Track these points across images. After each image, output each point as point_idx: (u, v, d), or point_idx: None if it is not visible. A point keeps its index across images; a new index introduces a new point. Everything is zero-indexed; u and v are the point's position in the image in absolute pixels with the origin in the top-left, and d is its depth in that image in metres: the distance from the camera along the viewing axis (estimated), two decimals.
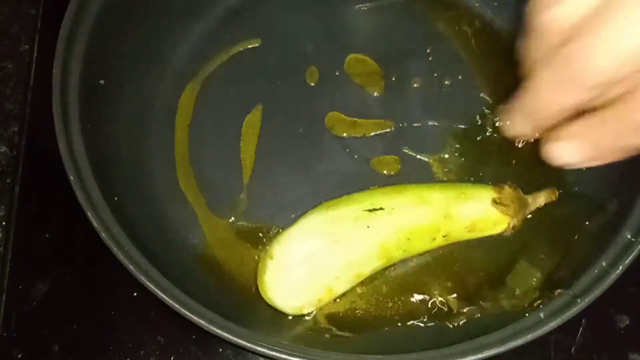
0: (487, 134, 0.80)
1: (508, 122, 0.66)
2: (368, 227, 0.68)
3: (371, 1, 0.88)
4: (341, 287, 0.69)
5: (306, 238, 0.67)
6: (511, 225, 0.72)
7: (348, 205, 0.70)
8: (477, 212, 0.71)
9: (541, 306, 0.62)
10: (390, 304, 0.72)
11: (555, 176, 0.74)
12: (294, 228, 0.69)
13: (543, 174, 0.74)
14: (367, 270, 0.69)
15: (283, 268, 0.66)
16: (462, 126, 0.80)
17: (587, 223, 0.71)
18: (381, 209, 0.69)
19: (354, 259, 0.67)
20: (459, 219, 0.71)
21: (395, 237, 0.69)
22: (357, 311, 0.71)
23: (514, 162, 0.77)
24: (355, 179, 0.77)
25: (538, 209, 0.73)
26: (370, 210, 0.69)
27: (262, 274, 0.68)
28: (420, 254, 0.73)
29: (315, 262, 0.66)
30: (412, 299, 0.72)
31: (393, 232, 0.69)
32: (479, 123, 0.80)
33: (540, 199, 0.73)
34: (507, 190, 0.72)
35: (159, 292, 0.60)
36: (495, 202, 0.71)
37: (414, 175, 0.78)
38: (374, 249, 0.68)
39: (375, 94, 0.82)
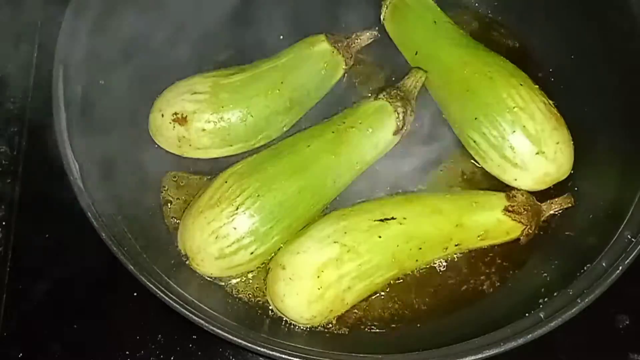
0: None
1: None
2: (380, 237, 0.67)
3: None
4: (353, 298, 0.68)
5: (318, 248, 0.66)
6: (525, 233, 0.71)
7: (360, 215, 0.69)
8: (489, 221, 0.71)
9: (541, 306, 0.62)
10: (390, 304, 0.72)
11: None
12: (305, 237, 0.68)
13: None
14: (379, 280, 0.69)
15: (295, 279, 0.66)
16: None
17: (587, 223, 0.71)
18: (393, 218, 0.68)
19: (366, 269, 0.67)
20: (471, 227, 0.70)
21: (407, 247, 0.68)
22: (356, 310, 0.71)
23: None
24: None
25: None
26: (382, 220, 0.68)
27: (273, 284, 0.67)
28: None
29: (327, 272, 0.65)
30: (412, 299, 0.73)
31: (405, 242, 0.68)
32: None
33: (554, 206, 0.73)
34: (520, 197, 0.71)
35: (159, 292, 0.61)
36: (507, 210, 0.71)
37: None
38: (386, 259, 0.68)
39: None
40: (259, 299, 0.72)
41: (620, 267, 0.61)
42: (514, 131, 0.72)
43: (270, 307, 0.70)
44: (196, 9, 0.85)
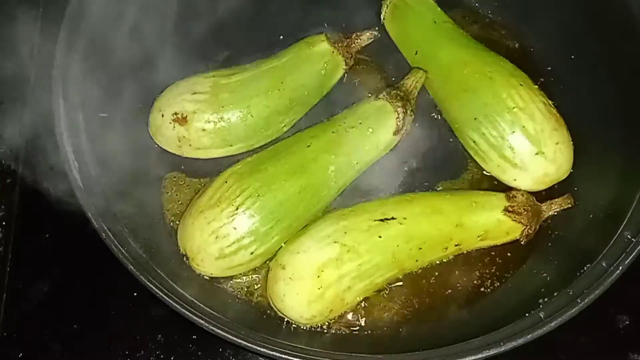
0: None
1: None
2: (380, 237, 0.67)
3: None
4: (353, 298, 0.68)
5: (318, 248, 0.66)
6: (524, 234, 0.71)
7: (360, 215, 0.69)
8: (489, 221, 0.71)
9: (541, 306, 0.62)
10: (390, 304, 0.72)
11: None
12: (305, 237, 0.68)
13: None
14: (379, 280, 0.69)
15: (295, 279, 0.66)
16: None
17: (587, 223, 0.71)
18: (393, 218, 0.69)
19: (366, 269, 0.67)
20: (471, 228, 0.70)
21: (407, 247, 0.68)
22: (356, 310, 0.71)
23: None
24: None
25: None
26: (382, 220, 0.68)
27: (273, 283, 0.67)
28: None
29: (327, 272, 0.65)
30: (412, 299, 0.73)
31: (405, 242, 0.68)
32: None
33: (554, 206, 0.73)
34: (520, 198, 0.71)
35: (159, 292, 0.61)
36: (507, 210, 0.71)
37: None
38: (386, 259, 0.68)
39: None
40: (259, 299, 0.72)
41: (620, 267, 0.61)
42: (514, 131, 0.72)
43: (270, 307, 0.70)
44: (196, 9, 0.85)
